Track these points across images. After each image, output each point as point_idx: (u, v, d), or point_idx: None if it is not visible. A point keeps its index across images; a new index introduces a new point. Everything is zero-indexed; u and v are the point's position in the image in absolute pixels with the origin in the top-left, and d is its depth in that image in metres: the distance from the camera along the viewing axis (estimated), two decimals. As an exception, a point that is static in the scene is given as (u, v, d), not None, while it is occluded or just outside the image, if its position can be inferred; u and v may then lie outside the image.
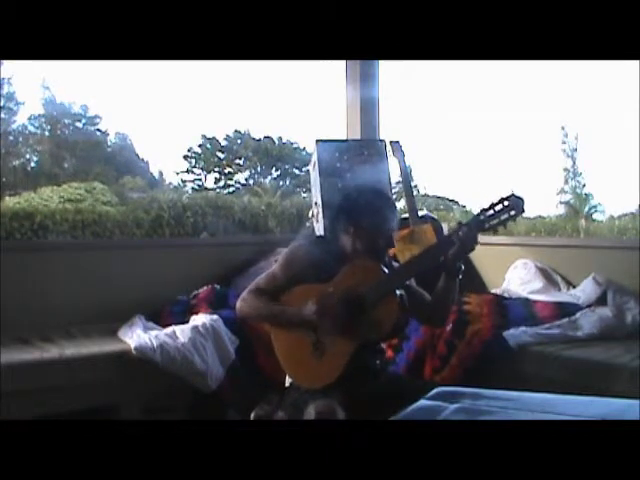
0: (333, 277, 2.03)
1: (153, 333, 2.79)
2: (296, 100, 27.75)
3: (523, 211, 1.87)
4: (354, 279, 2.00)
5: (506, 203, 1.86)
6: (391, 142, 3.55)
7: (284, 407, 2.06)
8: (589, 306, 3.03)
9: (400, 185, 3.77)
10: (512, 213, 1.86)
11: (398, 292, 2.00)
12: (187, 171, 19.92)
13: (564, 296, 3.20)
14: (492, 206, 1.88)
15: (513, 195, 1.87)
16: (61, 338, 2.88)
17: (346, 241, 2.09)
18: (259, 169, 20.02)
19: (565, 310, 3.01)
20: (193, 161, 19.96)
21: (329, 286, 2.02)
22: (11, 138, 17.53)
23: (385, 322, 1.97)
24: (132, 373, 2.66)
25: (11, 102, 17.54)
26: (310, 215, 3.59)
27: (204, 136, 19.94)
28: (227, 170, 19.93)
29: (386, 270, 2.01)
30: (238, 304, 2.15)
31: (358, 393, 1.98)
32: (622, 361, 2.46)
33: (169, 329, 2.83)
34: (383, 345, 2.18)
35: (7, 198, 12.95)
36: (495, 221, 1.88)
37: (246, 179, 20.08)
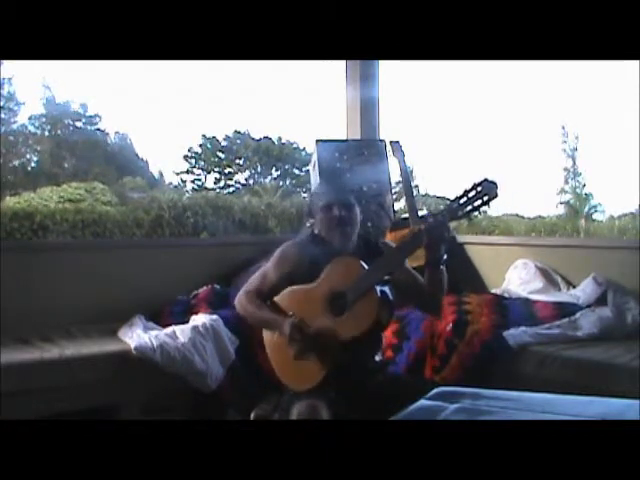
0: (319, 277, 2.06)
1: (153, 333, 2.79)
2: (296, 100, 27.75)
3: (496, 195, 1.85)
4: (336, 277, 2.02)
5: (479, 189, 1.85)
6: (391, 142, 3.55)
7: (277, 410, 2.08)
8: (589, 306, 3.02)
9: (400, 185, 3.78)
10: (485, 198, 1.85)
11: (379, 289, 2.00)
12: (187, 171, 19.91)
13: (564, 296, 3.19)
14: (465, 193, 1.87)
15: (486, 180, 1.86)
16: (61, 338, 2.88)
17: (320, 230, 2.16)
18: (259, 169, 20.01)
19: (565, 310, 3.01)
20: (193, 161, 19.96)
21: (314, 287, 2.05)
22: (11, 138, 17.52)
23: (363, 319, 1.97)
24: (132, 373, 2.66)
25: (11, 102, 17.53)
26: (310, 215, 3.59)
27: (204, 136, 19.94)
28: (227, 170, 19.92)
29: (366, 266, 2.02)
30: (235, 303, 2.23)
31: (349, 391, 1.99)
32: (622, 361, 2.46)
33: (169, 329, 2.83)
34: (382, 339, 2.19)
35: (7, 198, 12.95)
36: (469, 207, 1.87)
37: (246, 179, 20.07)
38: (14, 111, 17.84)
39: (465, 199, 1.87)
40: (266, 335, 2.16)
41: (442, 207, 1.97)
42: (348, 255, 2.08)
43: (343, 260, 2.06)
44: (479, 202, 1.86)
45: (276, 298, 2.13)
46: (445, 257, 2.00)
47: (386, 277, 2.03)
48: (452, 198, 1.92)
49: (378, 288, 2.00)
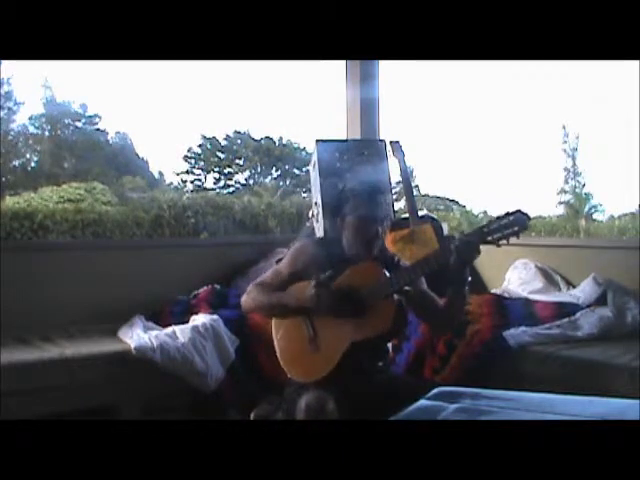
0: (336, 277, 2.07)
1: (153, 333, 2.79)
2: (296, 100, 27.73)
3: (526, 228, 1.88)
4: (355, 279, 2.04)
5: (511, 218, 1.88)
6: (391, 142, 3.54)
7: (280, 401, 2.10)
8: (589, 306, 3.02)
9: (400, 185, 3.77)
10: (515, 229, 1.88)
11: (396, 297, 2.02)
12: (187, 171, 19.90)
13: (564, 296, 3.19)
14: (497, 219, 1.91)
15: (519, 211, 1.89)
16: (61, 338, 2.88)
17: (341, 236, 2.15)
18: (259, 169, 20.00)
19: (565, 310, 3.01)
20: (193, 161, 19.94)
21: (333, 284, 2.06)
22: (11, 138, 17.51)
23: (378, 325, 2.01)
24: (132, 373, 2.65)
25: (11, 102, 17.53)
26: (310, 215, 3.60)
27: (204, 136, 19.92)
28: (227, 170, 19.90)
29: (387, 274, 2.03)
30: (243, 298, 2.23)
31: (354, 392, 1.99)
32: (622, 361, 2.46)
33: (169, 329, 2.83)
34: (389, 346, 2.20)
35: (7, 198, 12.94)
36: (498, 235, 1.90)
37: (246, 179, 20.05)
38: (14, 111, 17.84)
39: (496, 226, 1.89)
40: (275, 324, 2.18)
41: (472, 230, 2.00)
42: (370, 261, 2.09)
43: (365, 264, 2.08)
44: (509, 231, 1.88)
45: (291, 289, 2.14)
46: (470, 279, 2.02)
47: (406, 288, 2.05)
48: (484, 223, 1.95)
49: (396, 297, 2.02)
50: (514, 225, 1.87)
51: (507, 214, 1.89)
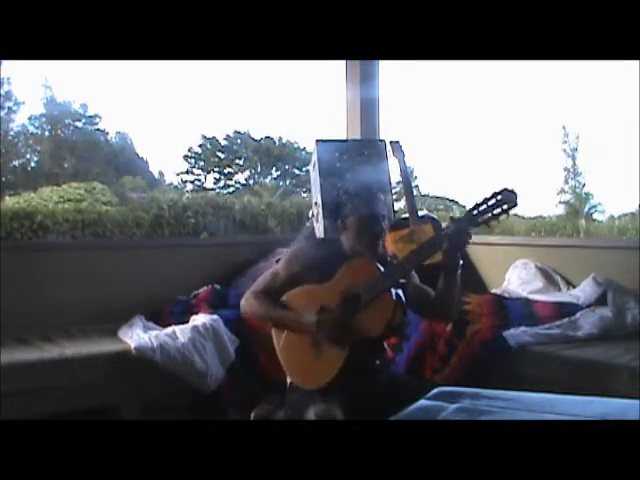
0: (332, 277, 2.06)
1: (153, 333, 2.79)
2: (296, 100, 27.73)
3: (516, 205, 1.86)
4: (350, 278, 2.04)
5: (499, 197, 1.86)
6: (391, 142, 3.55)
7: (284, 408, 2.09)
8: (589, 306, 3.02)
9: (400, 185, 3.78)
10: (505, 207, 1.86)
11: (394, 291, 2.01)
12: (187, 171, 19.91)
13: (564, 296, 3.19)
14: (485, 201, 1.89)
15: (505, 189, 1.87)
16: (61, 338, 2.88)
17: (342, 237, 2.15)
18: (259, 169, 20.00)
19: (565, 310, 3.01)
20: (193, 161, 19.94)
21: (327, 287, 2.06)
22: (11, 138, 17.51)
23: (378, 321, 1.99)
24: (132, 373, 2.66)
25: (11, 102, 17.53)
26: (310, 215, 3.60)
27: (204, 136, 19.93)
28: (227, 170, 19.91)
29: (382, 268, 2.02)
30: (241, 304, 2.23)
31: (355, 393, 1.99)
32: (622, 361, 2.46)
33: (169, 329, 2.83)
34: (385, 344, 2.19)
35: (7, 198, 12.93)
36: (488, 215, 1.88)
37: (246, 179, 20.06)
38: (14, 111, 17.84)
39: (485, 207, 1.88)
40: (276, 333, 2.16)
41: (461, 215, 1.98)
42: (363, 257, 2.09)
43: (358, 261, 2.07)
44: (499, 210, 1.87)
45: (288, 296, 2.14)
46: (461, 262, 2.02)
47: (401, 280, 2.05)
48: (472, 205, 1.93)
49: (393, 291, 2.01)
50: (502, 203, 1.86)
51: (494, 194, 1.87)
